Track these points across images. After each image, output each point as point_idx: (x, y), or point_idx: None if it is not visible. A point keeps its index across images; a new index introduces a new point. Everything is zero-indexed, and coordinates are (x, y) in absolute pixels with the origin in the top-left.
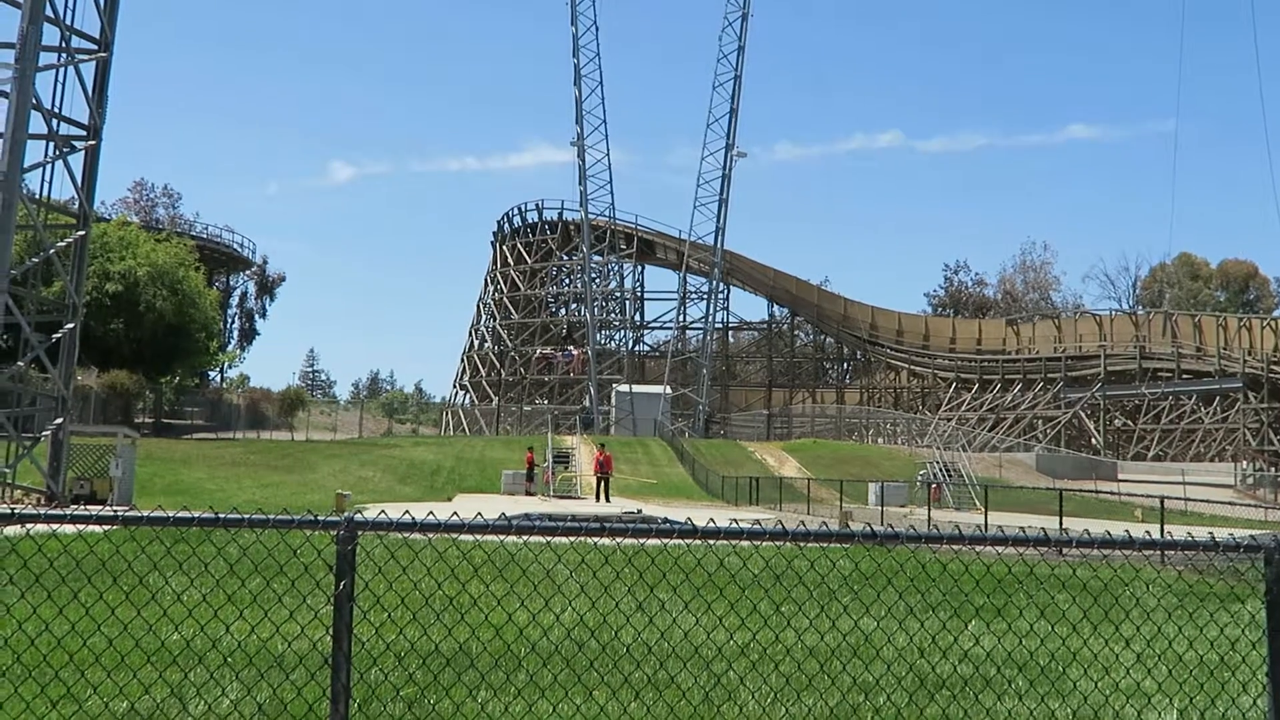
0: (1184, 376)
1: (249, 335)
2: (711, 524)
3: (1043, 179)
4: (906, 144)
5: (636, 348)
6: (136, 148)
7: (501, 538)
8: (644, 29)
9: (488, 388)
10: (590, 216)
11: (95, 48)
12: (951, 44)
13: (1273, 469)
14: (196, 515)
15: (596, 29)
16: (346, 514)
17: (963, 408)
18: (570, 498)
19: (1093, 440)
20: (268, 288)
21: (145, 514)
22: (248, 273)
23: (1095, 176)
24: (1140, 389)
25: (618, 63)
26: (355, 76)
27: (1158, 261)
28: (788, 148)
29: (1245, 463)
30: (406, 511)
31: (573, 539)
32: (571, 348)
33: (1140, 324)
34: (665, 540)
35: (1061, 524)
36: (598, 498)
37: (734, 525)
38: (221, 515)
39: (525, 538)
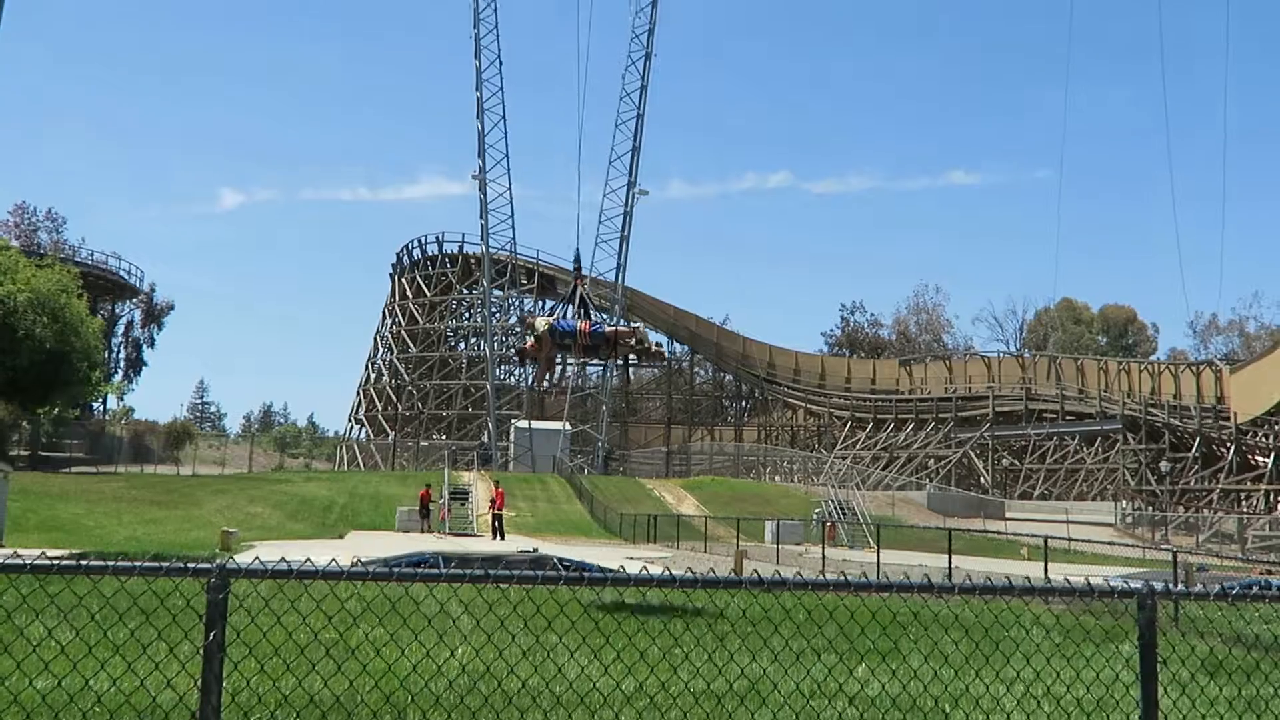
0: (1067, 417)
1: (136, 365)
2: (598, 570)
3: (930, 222)
4: (797, 185)
5: (535, 384)
6: (16, 171)
7: (382, 585)
8: (545, 65)
9: (384, 422)
10: (491, 250)
11: None
12: (833, 86)
13: (1150, 508)
14: (56, 563)
15: (500, 63)
16: (219, 561)
17: (857, 446)
18: (466, 535)
19: (981, 479)
20: (155, 316)
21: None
22: (134, 300)
23: (980, 220)
24: (1026, 430)
25: (519, 97)
26: (242, 101)
27: (1042, 306)
28: (681, 186)
29: (1125, 502)
30: (282, 558)
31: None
32: None
33: (1027, 366)
34: (551, 586)
35: (950, 562)
36: (494, 535)
37: (622, 571)
38: (83, 563)
39: (408, 584)
